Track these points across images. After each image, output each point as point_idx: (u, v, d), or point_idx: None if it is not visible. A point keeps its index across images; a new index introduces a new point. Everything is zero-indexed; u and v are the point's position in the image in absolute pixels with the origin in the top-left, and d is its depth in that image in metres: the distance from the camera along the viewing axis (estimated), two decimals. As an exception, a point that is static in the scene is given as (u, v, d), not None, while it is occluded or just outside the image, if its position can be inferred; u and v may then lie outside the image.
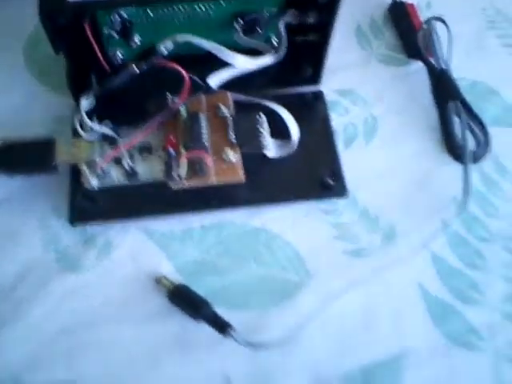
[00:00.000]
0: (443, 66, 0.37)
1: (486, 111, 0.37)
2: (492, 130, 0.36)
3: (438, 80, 0.37)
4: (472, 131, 0.36)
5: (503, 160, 0.36)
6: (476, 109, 0.36)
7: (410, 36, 0.39)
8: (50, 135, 0.33)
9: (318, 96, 0.37)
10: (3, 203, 0.34)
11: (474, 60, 0.40)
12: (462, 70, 0.38)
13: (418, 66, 0.39)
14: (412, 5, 0.40)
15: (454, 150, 0.35)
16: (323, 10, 0.33)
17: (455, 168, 0.35)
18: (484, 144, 0.35)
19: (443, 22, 0.37)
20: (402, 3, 0.41)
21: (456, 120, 0.36)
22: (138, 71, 0.32)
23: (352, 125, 0.37)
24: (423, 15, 0.41)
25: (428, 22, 0.38)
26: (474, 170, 0.35)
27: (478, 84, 0.39)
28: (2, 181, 0.33)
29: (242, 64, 0.33)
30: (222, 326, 0.29)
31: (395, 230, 0.33)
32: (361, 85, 0.39)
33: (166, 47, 0.32)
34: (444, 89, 0.37)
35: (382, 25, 0.42)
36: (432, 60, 0.38)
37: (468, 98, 0.37)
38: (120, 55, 0.35)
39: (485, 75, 0.39)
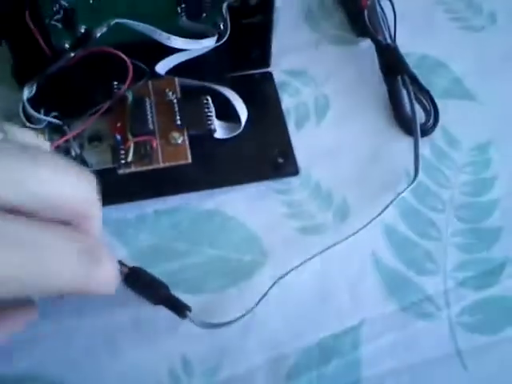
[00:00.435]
0: (389, 42, 0.37)
1: (435, 84, 0.38)
2: (442, 102, 0.36)
3: (385, 56, 0.37)
4: (421, 104, 0.36)
5: (453, 131, 0.36)
6: (425, 82, 0.37)
7: (357, 15, 0.39)
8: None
9: (267, 77, 0.37)
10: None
11: (422, 34, 0.40)
12: (410, 45, 0.39)
13: (366, 44, 0.39)
14: (358, -16, 0.41)
15: (403, 123, 0.36)
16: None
17: (406, 141, 0.35)
18: (433, 116, 0.36)
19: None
20: (348, -17, 0.41)
21: (405, 94, 0.36)
22: (72, 55, 0.32)
23: (303, 105, 0.37)
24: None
25: (373, -1, 0.38)
26: (425, 142, 0.35)
27: (426, 58, 0.39)
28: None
29: (180, 45, 0.33)
30: (179, 308, 0.29)
31: (348, 204, 0.33)
32: (311, 65, 0.39)
33: (101, 32, 0.32)
34: (391, 64, 0.37)
35: (331, 5, 0.42)
36: (379, 37, 0.38)
37: (417, 71, 0.37)
38: (66, 45, 0.35)
39: (433, 49, 0.40)
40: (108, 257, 0.21)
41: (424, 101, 0.36)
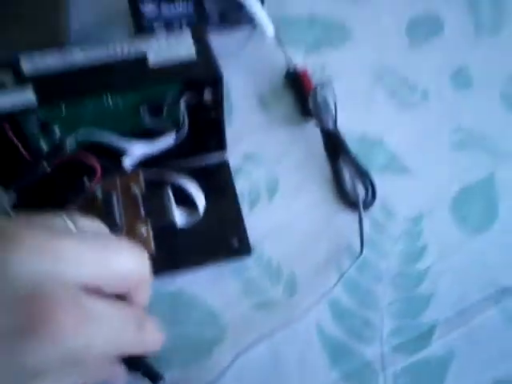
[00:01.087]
0: (331, 126, 0.42)
1: (373, 160, 0.42)
2: (380, 177, 0.41)
3: (327, 138, 0.42)
4: (360, 181, 0.40)
5: (389, 204, 0.40)
6: (365, 158, 0.41)
7: (303, 100, 0.44)
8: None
9: (223, 165, 0.41)
10: None
11: (362, 113, 0.45)
12: (351, 123, 0.43)
13: (313, 125, 0.44)
14: (305, 72, 0.45)
15: (346, 199, 0.40)
16: (214, 90, 0.38)
17: (349, 215, 0.40)
18: (371, 192, 0.40)
19: (329, 85, 0.42)
20: (296, 71, 0.45)
21: (347, 172, 0.41)
22: (48, 169, 0.36)
23: (255, 185, 0.41)
24: (318, 77, 0.46)
25: (315, 88, 0.42)
26: (364, 216, 0.39)
27: (366, 136, 0.44)
28: None
29: (140, 151, 0.38)
30: (154, 376, 0.31)
31: (296, 279, 0.37)
32: (263, 147, 0.43)
33: (71, 142, 0.37)
34: (333, 146, 0.42)
35: (281, 91, 0.46)
36: (322, 120, 0.42)
37: (357, 149, 0.42)
38: (44, 147, 0.39)
39: (372, 126, 0.44)
40: (153, 324, 0.27)
41: (363, 178, 0.40)
